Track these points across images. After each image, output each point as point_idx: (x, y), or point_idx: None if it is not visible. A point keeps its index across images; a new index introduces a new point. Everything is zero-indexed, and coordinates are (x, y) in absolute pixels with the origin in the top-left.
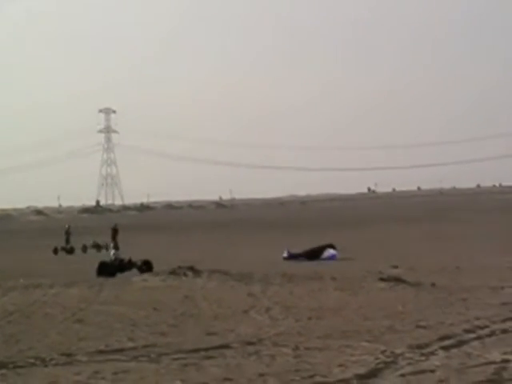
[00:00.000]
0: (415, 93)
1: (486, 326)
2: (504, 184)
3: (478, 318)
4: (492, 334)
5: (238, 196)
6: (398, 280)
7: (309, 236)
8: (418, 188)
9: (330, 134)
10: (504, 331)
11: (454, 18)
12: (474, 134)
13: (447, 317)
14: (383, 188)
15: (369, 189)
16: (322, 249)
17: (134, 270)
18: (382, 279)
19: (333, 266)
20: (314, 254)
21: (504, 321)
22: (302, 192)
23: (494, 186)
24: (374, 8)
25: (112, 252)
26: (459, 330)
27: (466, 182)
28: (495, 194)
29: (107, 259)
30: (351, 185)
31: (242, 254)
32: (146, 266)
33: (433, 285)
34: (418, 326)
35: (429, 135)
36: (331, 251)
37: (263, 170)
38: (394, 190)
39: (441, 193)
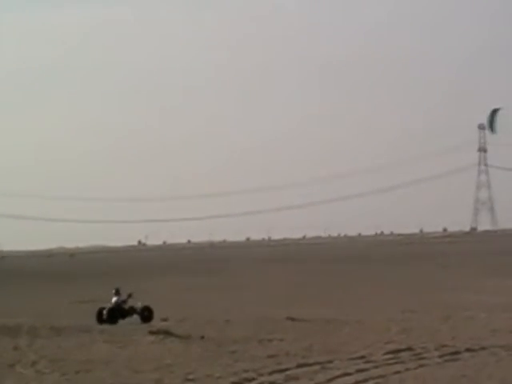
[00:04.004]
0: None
1: (254, 379)
2: (272, 238)
3: (245, 371)
4: None
5: (4, 248)
6: (167, 333)
7: (78, 287)
8: (188, 241)
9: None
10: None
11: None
12: (243, 186)
13: (216, 369)
14: (154, 241)
15: (139, 241)
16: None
17: (135, 317)
18: (151, 332)
19: None
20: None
21: (271, 373)
22: (70, 244)
23: (263, 239)
24: None
25: (113, 299)
26: (227, 382)
27: (236, 235)
28: (264, 247)
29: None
30: (121, 237)
31: (10, 304)
32: (148, 312)
33: (202, 337)
34: (187, 380)
35: (196, 188)
36: None
37: (31, 222)
38: (164, 242)
39: (211, 245)
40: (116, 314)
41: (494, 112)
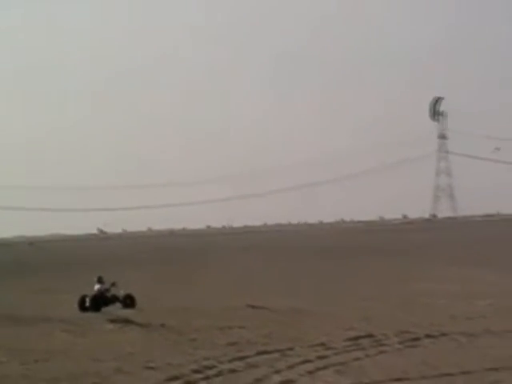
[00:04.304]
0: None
1: (214, 366)
2: (235, 225)
3: (206, 358)
4: (219, 374)
5: None
6: (127, 321)
7: (38, 277)
8: (149, 229)
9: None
10: (231, 371)
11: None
12: (200, 177)
13: (176, 357)
14: (114, 229)
15: (99, 230)
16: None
17: (118, 304)
18: (110, 320)
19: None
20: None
21: (231, 361)
22: (29, 233)
23: (224, 226)
24: None
25: (96, 287)
26: (187, 370)
27: (196, 222)
28: (225, 235)
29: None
30: (81, 225)
31: None
32: (130, 300)
33: (162, 325)
34: (147, 367)
35: (160, 176)
36: None
37: None
38: (124, 230)
39: (171, 233)
40: (99, 301)
41: (437, 101)
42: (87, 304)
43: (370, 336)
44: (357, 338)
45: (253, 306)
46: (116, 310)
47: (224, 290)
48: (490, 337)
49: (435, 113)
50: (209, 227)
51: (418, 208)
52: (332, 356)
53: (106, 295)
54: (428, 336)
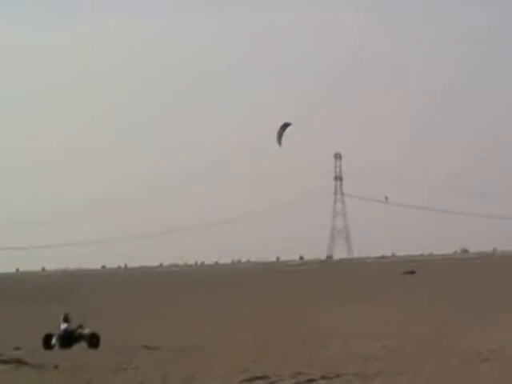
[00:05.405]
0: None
1: None
2: (129, 265)
3: None
4: None
5: None
6: (19, 362)
7: None
8: (43, 268)
9: None
10: None
11: None
12: (95, 215)
13: None
14: (7, 269)
15: None
16: None
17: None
18: (2, 361)
19: None
20: None
21: None
22: None
23: (119, 267)
24: None
25: (63, 326)
26: None
27: (92, 262)
28: (120, 275)
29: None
30: None
31: None
32: (95, 339)
33: (56, 367)
34: None
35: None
36: None
37: None
38: (17, 270)
39: (65, 273)
40: (67, 340)
41: (284, 126)
42: (53, 342)
43: (265, 377)
44: (252, 379)
45: (147, 347)
46: (81, 349)
47: (118, 329)
48: (383, 378)
49: (281, 137)
50: (104, 267)
51: (315, 249)
52: None
53: (73, 334)
54: (323, 377)
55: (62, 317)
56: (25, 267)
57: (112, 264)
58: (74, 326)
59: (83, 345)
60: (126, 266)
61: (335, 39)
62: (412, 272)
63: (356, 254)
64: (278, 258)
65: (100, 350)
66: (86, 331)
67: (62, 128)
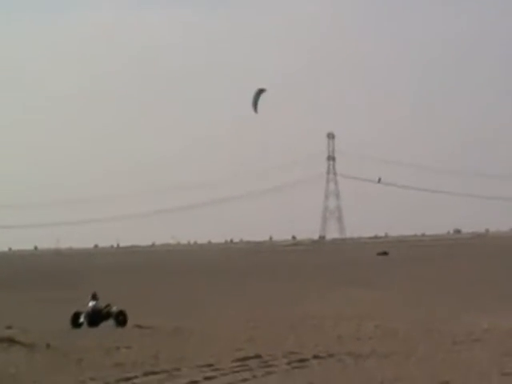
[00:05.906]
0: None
1: None
2: (121, 245)
3: (92, 379)
4: None
5: None
6: (11, 341)
7: None
8: (35, 247)
9: None
10: None
11: None
12: (82, 195)
13: (61, 378)
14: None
15: None
16: None
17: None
18: None
19: None
20: None
21: (118, 381)
22: None
23: (112, 246)
24: None
25: (91, 303)
26: None
27: (84, 242)
28: (113, 255)
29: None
30: None
31: None
32: (123, 317)
33: (48, 346)
34: None
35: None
36: None
37: None
38: (10, 249)
39: (57, 253)
40: (95, 318)
41: (259, 92)
42: (81, 320)
43: (257, 357)
44: (244, 358)
45: (139, 326)
46: (109, 326)
47: None
48: (376, 358)
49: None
50: (96, 246)
51: (308, 229)
52: (219, 377)
53: (101, 312)
54: (315, 357)
55: (90, 296)
56: (17, 246)
57: (104, 243)
58: (101, 304)
59: (110, 323)
60: (118, 245)
61: (330, 18)
62: (385, 253)
63: (349, 235)
64: (270, 238)
65: (91, 331)
66: (114, 309)
67: (57, 107)
